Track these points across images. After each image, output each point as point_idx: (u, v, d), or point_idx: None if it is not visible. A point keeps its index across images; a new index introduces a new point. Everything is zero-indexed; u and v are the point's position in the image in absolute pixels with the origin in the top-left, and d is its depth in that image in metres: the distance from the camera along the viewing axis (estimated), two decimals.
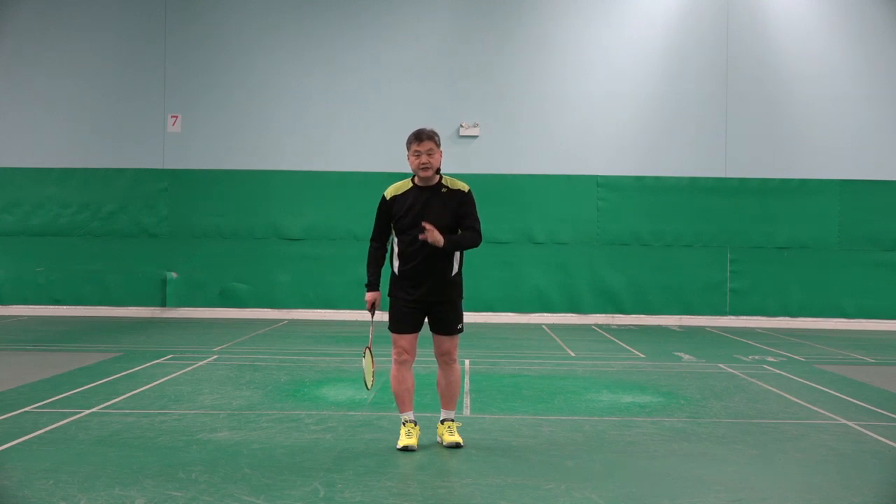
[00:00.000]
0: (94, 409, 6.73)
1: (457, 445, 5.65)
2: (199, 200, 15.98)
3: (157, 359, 9.70)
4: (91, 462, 5.16)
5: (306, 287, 15.84)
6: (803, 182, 15.86)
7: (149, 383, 8.02)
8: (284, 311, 15.82)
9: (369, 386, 5.79)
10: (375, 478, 4.91)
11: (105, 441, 5.70)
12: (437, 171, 5.62)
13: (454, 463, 5.31)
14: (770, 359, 10.63)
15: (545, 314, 15.78)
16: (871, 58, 15.97)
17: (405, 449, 5.55)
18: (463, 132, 15.75)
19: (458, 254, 5.66)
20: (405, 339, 5.67)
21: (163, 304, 15.83)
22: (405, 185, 5.68)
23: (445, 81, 16.04)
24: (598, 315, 15.77)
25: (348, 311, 15.71)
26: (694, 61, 16.02)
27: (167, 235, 15.97)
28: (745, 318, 15.69)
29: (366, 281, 5.76)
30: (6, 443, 5.58)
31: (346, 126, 16.06)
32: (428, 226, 5.35)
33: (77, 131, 16.09)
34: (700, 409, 7.19)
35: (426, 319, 5.72)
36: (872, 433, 6.30)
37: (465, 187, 5.69)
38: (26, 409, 6.68)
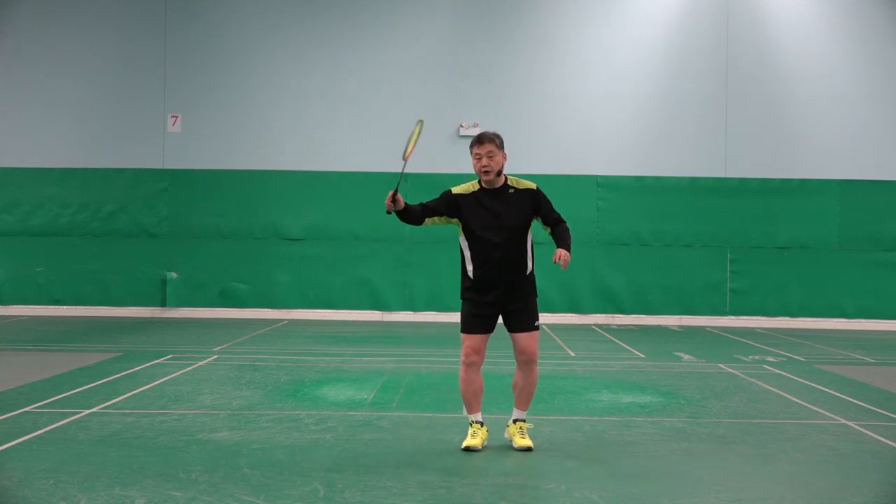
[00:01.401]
0: (94, 409, 6.73)
1: (528, 449, 5.61)
2: (199, 200, 15.98)
3: (157, 359, 9.70)
4: (91, 462, 5.16)
5: (306, 287, 15.84)
6: (803, 182, 15.86)
7: (149, 383, 8.02)
8: (284, 311, 15.81)
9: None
10: (375, 478, 4.91)
11: (105, 441, 5.70)
12: (500, 172, 5.60)
13: (454, 463, 5.31)
14: (770, 359, 10.63)
15: (545, 314, 15.73)
16: (871, 58, 15.97)
17: (468, 449, 5.55)
18: (463, 132, 15.75)
19: (530, 252, 5.64)
20: (475, 340, 5.59)
21: (163, 304, 15.83)
22: (472, 186, 5.67)
23: (445, 81, 16.04)
24: (598, 315, 15.77)
25: (348, 311, 15.73)
26: (694, 61, 16.02)
27: (167, 235, 15.97)
28: (745, 318, 15.69)
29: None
30: (6, 443, 5.58)
31: (346, 126, 16.06)
32: (558, 253, 5.42)
33: (77, 131, 16.09)
34: (700, 409, 7.19)
35: (499, 321, 5.65)
36: (872, 433, 6.30)
37: (532, 185, 5.69)
38: (26, 409, 6.68)
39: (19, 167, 16.01)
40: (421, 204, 5.61)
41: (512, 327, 5.62)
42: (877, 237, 15.75)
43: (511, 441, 5.70)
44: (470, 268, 5.61)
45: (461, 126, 15.81)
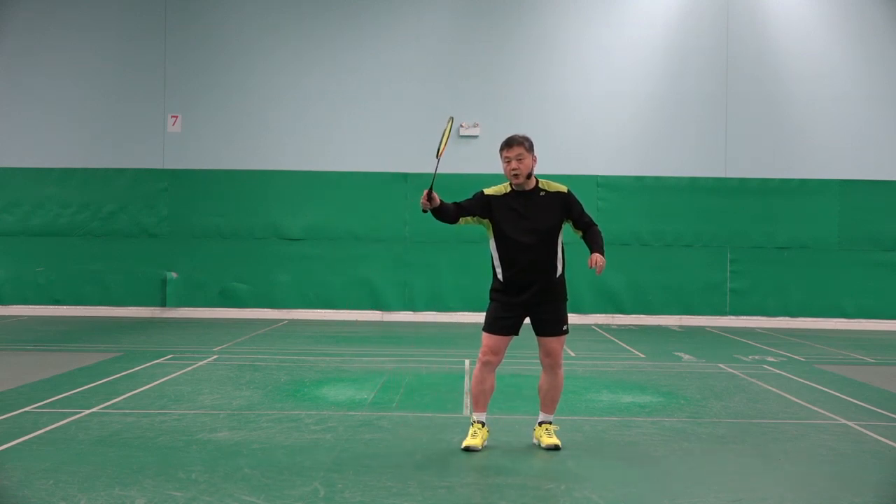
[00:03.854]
0: (94, 409, 6.72)
1: (555, 448, 5.63)
2: (199, 200, 15.98)
3: (157, 359, 9.70)
4: (91, 462, 5.16)
5: (306, 287, 15.84)
6: (803, 182, 15.86)
7: (149, 383, 8.02)
8: (284, 311, 15.81)
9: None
10: (375, 478, 4.91)
11: (105, 441, 5.70)
12: (530, 175, 5.55)
13: (454, 463, 5.31)
14: (770, 359, 10.63)
15: None
16: (871, 58, 15.97)
17: (468, 449, 5.55)
18: (463, 132, 15.74)
19: (561, 255, 5.63)
20: (495, 340, 5.59)
21: (163, 304, 15.83)
22: (504, 188, 5.62)
23: (445, 81, 16.03)
24: (598, 315, 15.76)
25: (348, 311, 15.72)
26: (694, 61, 16.02)
27: (167, 235, 15.97)
28: (745, 318, 15.69)
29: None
30: (6, 443, 5.58)
31: (346, 126, 16.06)
32: (593, 258, 5.45)
33: (77, 131, 16.09)
34: (700, 409, 7.19)
35: (526, 323, 5.63)
36: (872, 433, 6.30)
37: (563, 189, 5.65)
38: (26, 409, 6.68)
39: (19, 167, 16.02)
40: (455, 203, 5.56)
41: (540, 331, 5.61)
42: (877, 237, 15.75)
43: (539, 442, 5.72)
44: (499, 270, 5.60)
45: (461, 126, 15.80)
